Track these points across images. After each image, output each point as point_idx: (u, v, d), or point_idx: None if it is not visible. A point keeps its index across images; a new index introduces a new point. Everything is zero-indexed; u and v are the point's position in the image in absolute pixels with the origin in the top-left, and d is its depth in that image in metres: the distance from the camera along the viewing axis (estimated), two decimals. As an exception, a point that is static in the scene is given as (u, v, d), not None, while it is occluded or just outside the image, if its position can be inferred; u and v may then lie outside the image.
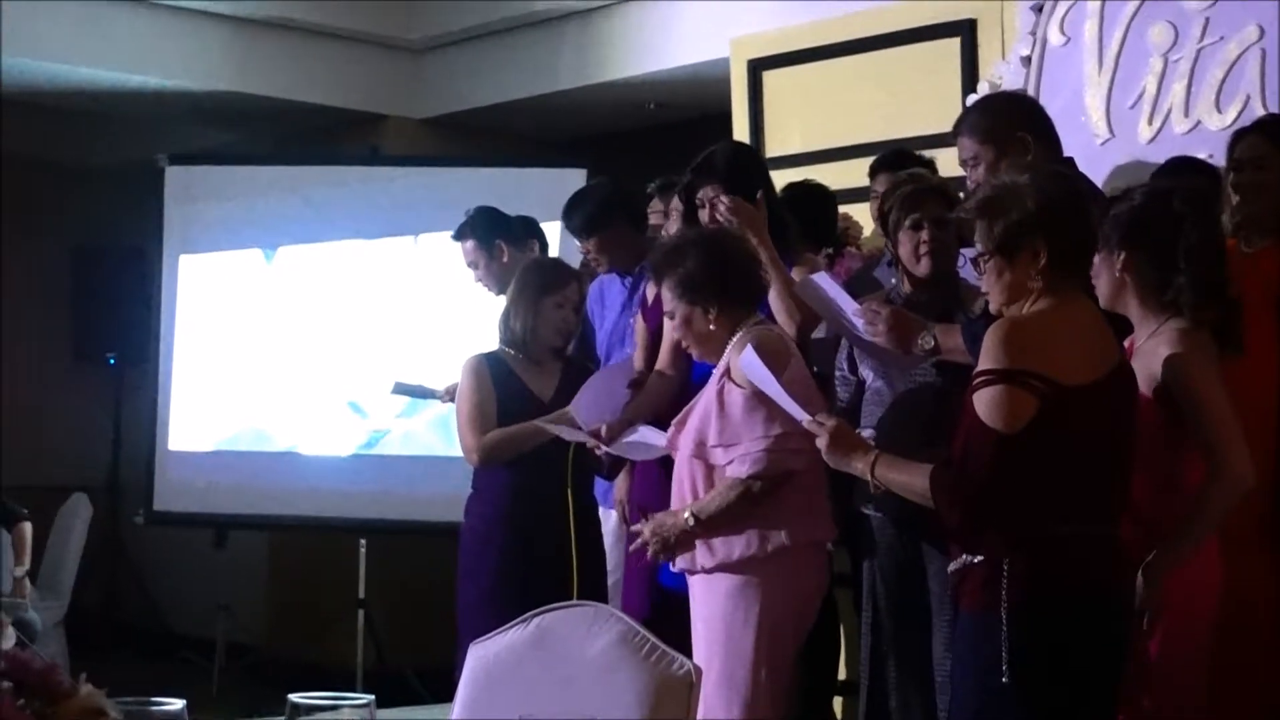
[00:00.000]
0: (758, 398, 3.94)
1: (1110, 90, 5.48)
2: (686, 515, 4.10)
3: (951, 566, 3.27)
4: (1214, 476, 3.49)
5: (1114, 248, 3.56)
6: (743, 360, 3.93)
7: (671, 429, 4.23)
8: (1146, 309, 3.58)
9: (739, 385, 4.02)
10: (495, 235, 5.83)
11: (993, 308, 3.30)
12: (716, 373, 4.13)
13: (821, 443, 3.46)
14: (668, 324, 4.42)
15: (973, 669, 3.19)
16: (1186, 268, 3.55)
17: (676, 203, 5.34)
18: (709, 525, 4.07)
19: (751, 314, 4.16)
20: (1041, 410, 3.05)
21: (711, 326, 4.13)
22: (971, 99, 5.70)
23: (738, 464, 4.02)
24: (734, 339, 4.10)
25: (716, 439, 4.05)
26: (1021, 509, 3.10)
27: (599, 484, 5.22)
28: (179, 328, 8.42)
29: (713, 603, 4.09)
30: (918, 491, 3.24)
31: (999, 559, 3.11)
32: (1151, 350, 3.53)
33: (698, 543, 4.09)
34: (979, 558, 3.16)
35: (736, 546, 4.04)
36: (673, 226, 5.32)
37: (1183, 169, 4.47)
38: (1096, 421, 3.14)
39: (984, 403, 3.08)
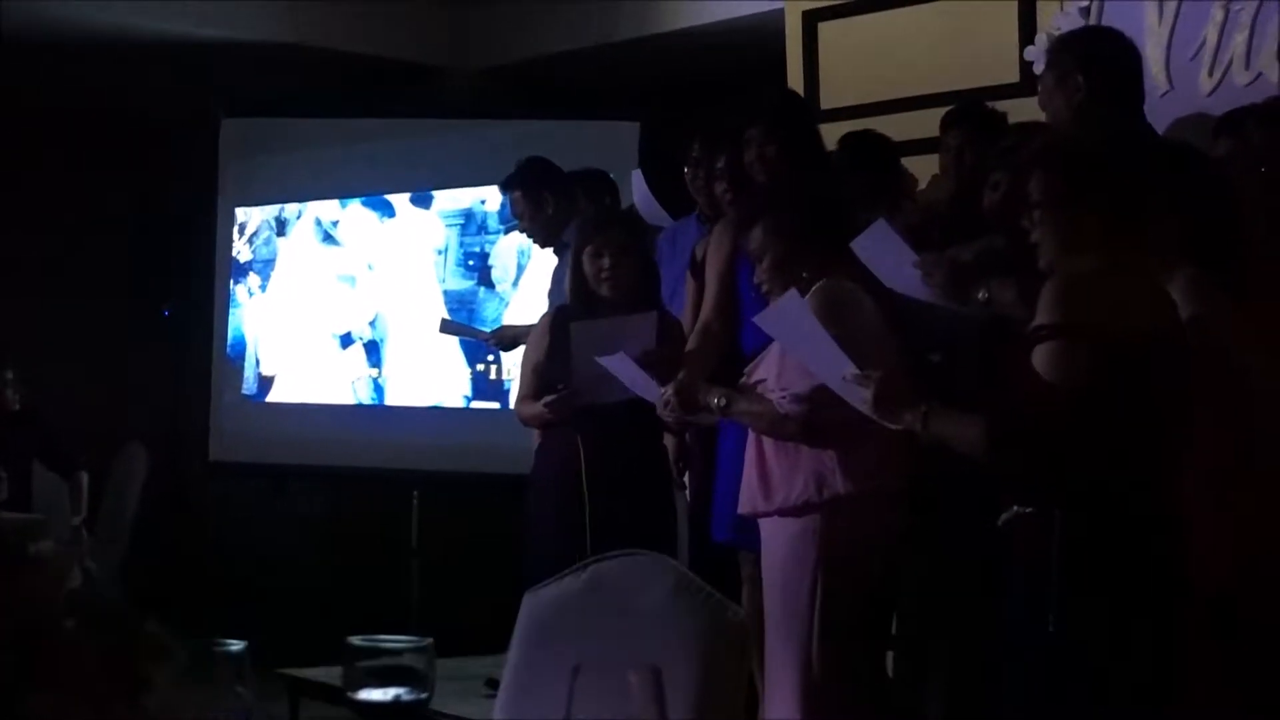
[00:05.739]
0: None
1: (1170, 41, 5.40)
2: (717, 400, 4.17)
3: (1003, 519, 3.25)
4: None
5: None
6: (769, 312, 3.90)
7: (745, 374, 4.22)
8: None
9: None
10: (541, 186, 5.77)
11: (1043, 263, 3.27)
12: None
13: (866, 395, 3.36)
14: (713, 272, 4.40)
15: (1024, 619, 3.19)
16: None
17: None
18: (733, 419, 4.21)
19: (840, 264, 4.11)
20: (1096, 365, 3.04)
21: (805, 274, 4.09)
22: (1029, 51, 5.65)
23: (781, 403, 4.02)
24: (815, 288, 4.06)
25: (775, 382, 4.05)
26: (1075, 462, 3.09)
27: None
28: (234, 280, 8.47)
29: (774, 548, 4.09)
30: (972, 444, 3.21)
31: (1051, 511, 3.11)
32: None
33: (758, 485, 4.09)
34: (1030, 509, 3.16)
35: (795, 490, 4.03)
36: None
37: (1243, 120, 4.42)
38: (1151, 379, 3.11)
39: (1040, 357, 3.06)
